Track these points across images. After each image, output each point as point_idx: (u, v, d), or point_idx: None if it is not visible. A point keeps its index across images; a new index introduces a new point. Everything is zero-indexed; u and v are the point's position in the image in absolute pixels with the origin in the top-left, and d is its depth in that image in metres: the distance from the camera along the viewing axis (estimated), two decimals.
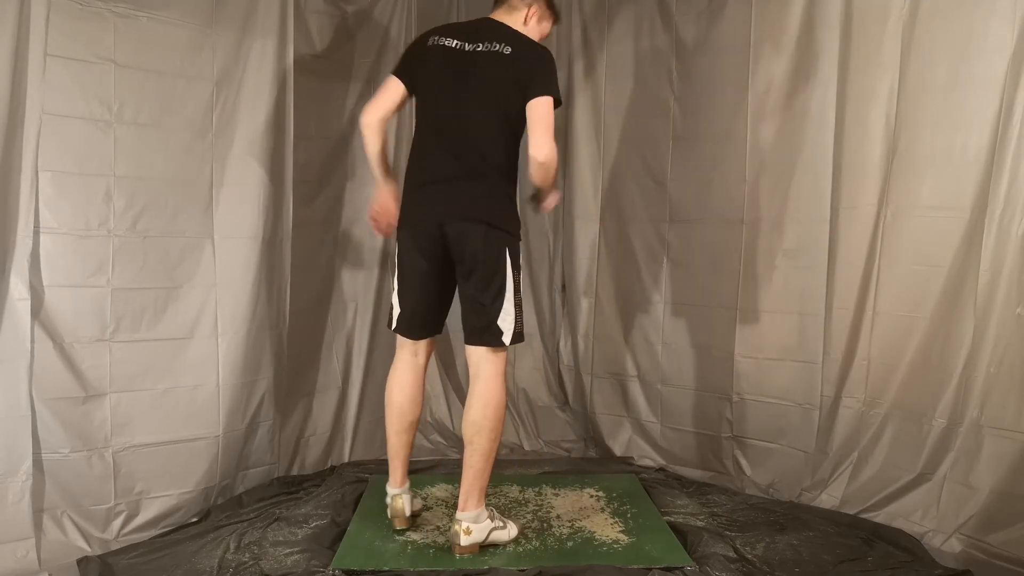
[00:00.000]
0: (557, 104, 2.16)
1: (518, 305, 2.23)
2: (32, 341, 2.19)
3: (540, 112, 2.12)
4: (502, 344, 2.20)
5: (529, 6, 2.30)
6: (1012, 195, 2.22)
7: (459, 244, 2.17)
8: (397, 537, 2.37)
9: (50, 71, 2.19)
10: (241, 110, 2.60)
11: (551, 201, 2.41)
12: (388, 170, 2.36)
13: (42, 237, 2.21)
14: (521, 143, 2.25)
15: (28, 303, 2.17)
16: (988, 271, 2.27)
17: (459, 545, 2.22)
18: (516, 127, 2.21)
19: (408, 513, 2.41)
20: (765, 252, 2.83)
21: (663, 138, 3.12)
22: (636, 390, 3.30)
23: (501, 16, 2.29)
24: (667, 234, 3.14)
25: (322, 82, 3.00)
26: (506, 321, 2.19)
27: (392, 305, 2.36)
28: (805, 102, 2.69)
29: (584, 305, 3.45)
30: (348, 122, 3.15)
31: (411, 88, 2.25)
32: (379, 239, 3.26)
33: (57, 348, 2.26)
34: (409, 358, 2.38)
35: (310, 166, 2.98)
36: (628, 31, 3.22)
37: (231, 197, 2.60)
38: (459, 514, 2.24)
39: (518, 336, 2.23)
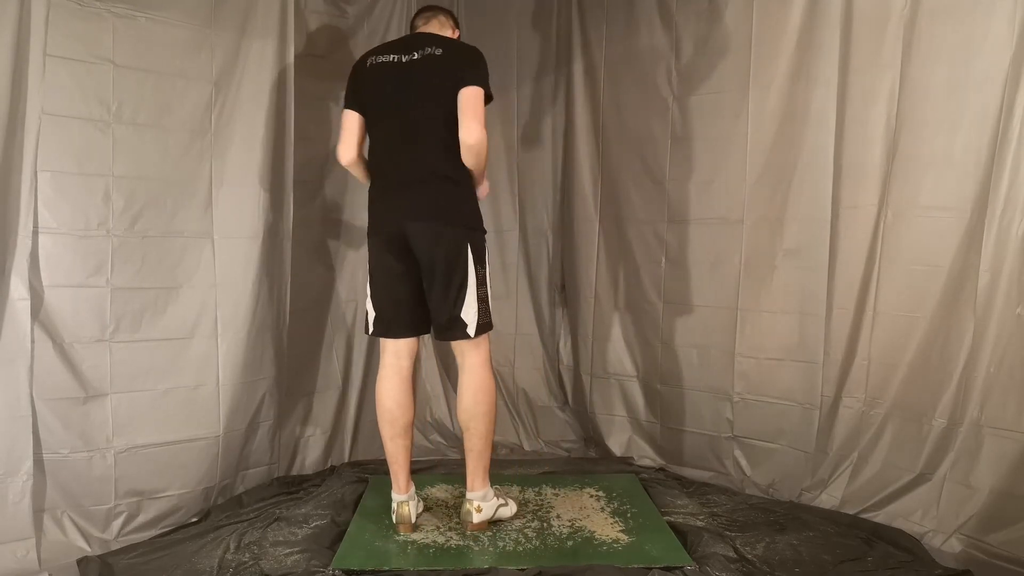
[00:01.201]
0: (488, 99, 2.28)
1: (482, 299, 2.31)
2: (32, 341, 2.19)
3: (468, 98, 2.22)
4: (467, 336, 2.30)
5: (453, 29, 2.51)
6: (1012, 195, 2.22)
7: (418, 244, 2.27)
8: (397, 537, 2.37)
9: (49, 71, 2.19)
10: (240, 110, 2.61)
11: (482, 191, 2.46)
12: None
13: (41, 237, 2.22)
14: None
15: (28, 303, 2.17)
16: (988, 271, 2.27)
17: (472, 523, 2.37)
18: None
19: (414, 520, 2.43)
20: (766, 252, 2.83)
21: (662, 138, 3.11)
22: (636, 390, 3.31)
23: (431, 30, 2.46)
24: (665, 234, 3.14)
25: (322, 82, 2.99)
26: (469, 314, 2.28)
27: (367, 310, 2.42)
28: (805, 102, 2.68)
29: (584, 305, 3.45)
30: None
31: (364, 113, 2.38)
32: None
33: (57, 348, 2.26)
34: (393, 362, 2.41)
35: (310, 166, 2.98)
36: (627, 31, 3.22)
37: (231, 197, 2.60)
38: (469, 494, 2.39)
39: (483, 327, 2.33)
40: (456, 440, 3.48)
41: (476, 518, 2.37)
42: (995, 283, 2.26)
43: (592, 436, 3.45)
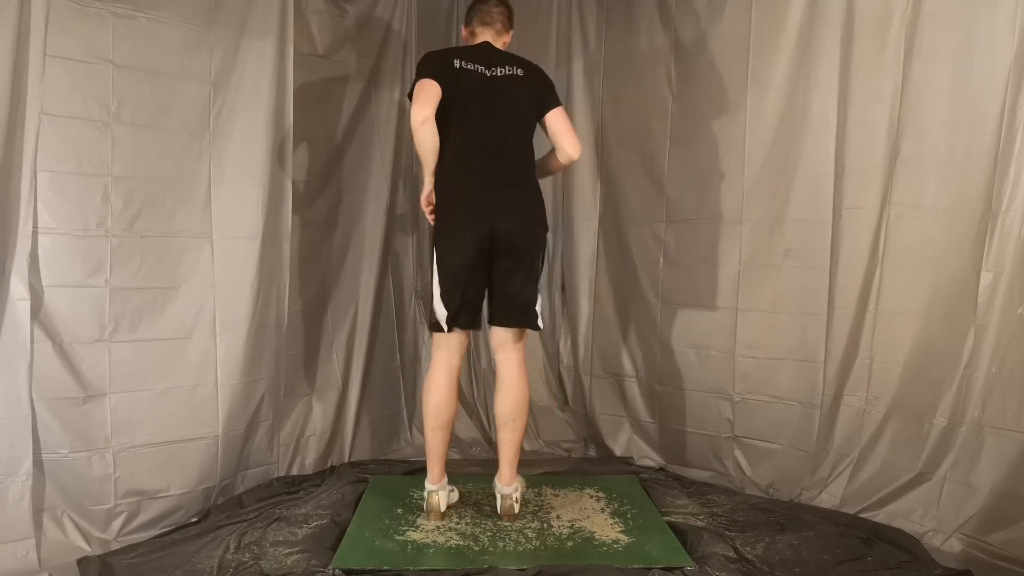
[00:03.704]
0: None
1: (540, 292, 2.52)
2: (32, 341, 2.19)
3: (561, 119, 2.49)
4: (538, 327, 2.51)
5: (509, 32, 2.62)
6: (1014, 196, 2.22)
7: (507, 241, 2.40)
8: (397, 537, 2.37)
9: (49, 71, 2.18)
10: (239, 110, 2.60)
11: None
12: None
13: (41, 237, 2.21)
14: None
15: (28, 303, 2.17)
16: (990, 271, 2.27)
17: (515, 515, 2.49)
18: (532, 136, 2.53)
19: (443, 509, 2.51)
20: (766, 252, 2.83)
21: (661, 138, 3.11)
22: (635, 390, 3.31)
23: (493, 40, 2.56)
24: (663, 234, 3.14)
25: (322, 82, 2.99)
26: (540, 305, 2.51)
27: (435, 308, 2.45)
28: (806, 103, 2.68)
29: (583, 305, 3.45)
30: (349, 122, 3.15)
31: (446, 97, 2.37)
32: (379, 239, 3.27)
33: (57, 348, 2.26)
34: (446, 358, 2.51)
35: (310, 166, 2.98)
36: (627, 30, 3.22)
37: (229, 197, 2.60)
38: (506, 488, 2.50)
39: (542, 319, 2.54)
40: (456, 440, 3.47)
41: (517, 509, 2.50)
42: (997, 283, 2.26)
43: (592, 436, 3.45)
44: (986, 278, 2.28)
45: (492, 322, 2.52)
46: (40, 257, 2.21)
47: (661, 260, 3.16)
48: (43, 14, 2.15)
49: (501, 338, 2.51)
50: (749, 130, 2.83)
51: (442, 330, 2.45)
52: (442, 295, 2.43)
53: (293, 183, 2.81)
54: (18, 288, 2.16)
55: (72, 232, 2.27)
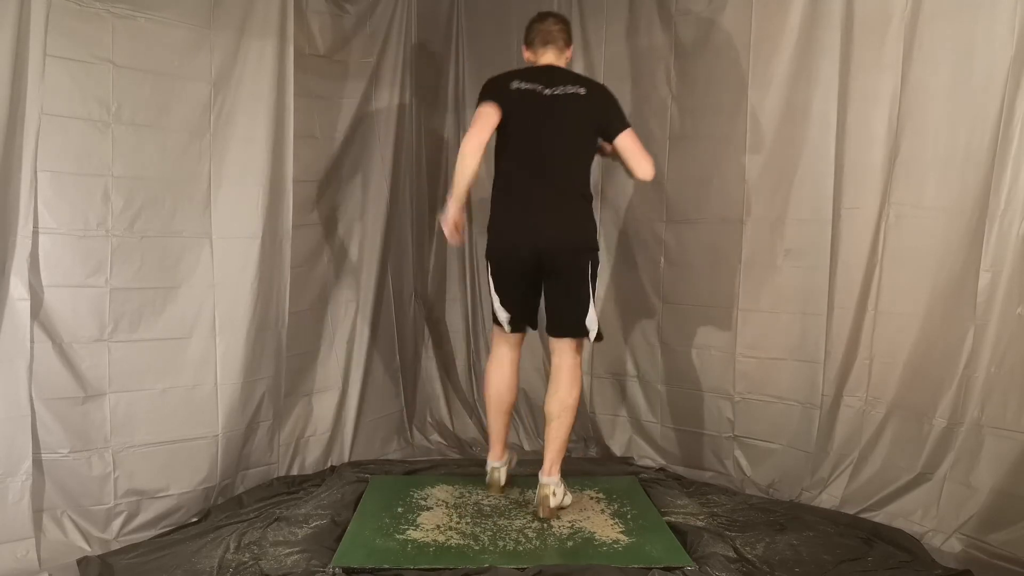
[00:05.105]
0: None
1: (593, 310, 2.55)
2: (32, 341, 2.19)
3: (631, 142, 2.48)
4: (585, 334, 2.55)
5: (570, 47, 2.64)
6: (1013, 196, 2.22)
7: (551, 261, 2.48)
8: (397, 536, 2.37)
9: (49, 71, 2.19)
10: (239, 110, 2.60)
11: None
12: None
13: (41, 237, 2.21)
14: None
15: (28, 303, 2.17)
16: (989, 271, 2.27)
17: (549, 507, 2.51)
18: (591, 155, 2.59)
19: (503, 483, 2.72)
20: (766, 252, 2.83)
21: (660, 138, 3.11)
22: (636, 390, 3.31)
23: (556, 60, 2.58)
24: (663, 234, 3.14)
25: (323, 82, 2.99)
26: (592, 321, 2.54)
27: (496, 311, 2.64)
28: (806, 103, 2.68)
29: None
30: (349, 122, 3.15)
31: (504, 117, 2.45)
32: (379, 239, 3.27)
33: (56, 348, 2.26)
34: (507, 352, 2.70)
35: (311, 166, 2.98)
36: (627, 30, 3.22)
37: (229, 197, 2.60)
38: (546, 479, 2.53)
39: (599, 336, 2.60)
40: (456, 440, 3.49)
41: (553, 502, 2.51)
42: (996, 283, 2.26)
43: (592, 436, 3.45)
44: (985, 278, 2.28)
45: (547, 330, 2.64)
46: (40, 257, 2.22)
47: (661, 260, 3.16)
48: (43, 14, 2.15)
49: (555, 344, 2.61)
50: (749, 130, 2.83)
51: (504, 329, 2.64)
52: (502, 303, 2.60)
53: (293, 183, 2.81)
54: (18, 288, 2.16)
55: (72, 232, 2.28)
